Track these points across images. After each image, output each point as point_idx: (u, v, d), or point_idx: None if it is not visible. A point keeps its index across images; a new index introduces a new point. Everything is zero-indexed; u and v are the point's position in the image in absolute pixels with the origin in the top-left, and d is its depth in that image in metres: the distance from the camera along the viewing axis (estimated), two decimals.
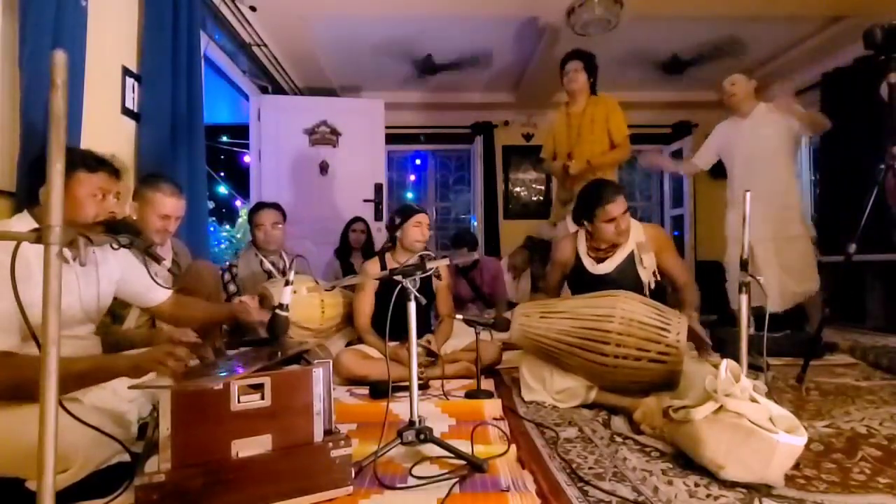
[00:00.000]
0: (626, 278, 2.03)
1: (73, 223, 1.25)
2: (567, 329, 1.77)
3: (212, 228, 5.07)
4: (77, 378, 1.12)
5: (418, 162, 6.17)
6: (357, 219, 3.81)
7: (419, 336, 1.51)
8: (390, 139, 4.85)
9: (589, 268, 2.15)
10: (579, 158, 2.90)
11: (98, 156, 1.36)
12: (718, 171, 5.41)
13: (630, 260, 2.09)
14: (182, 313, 1.68)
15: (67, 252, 1.20)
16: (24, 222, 1.27)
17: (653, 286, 2.11)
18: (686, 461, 1.27)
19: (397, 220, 2.43)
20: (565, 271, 2.26)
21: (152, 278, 1.36)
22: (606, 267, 2.11)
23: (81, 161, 1.30)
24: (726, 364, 1.26)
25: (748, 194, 1.70)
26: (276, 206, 2.76)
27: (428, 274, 1.37)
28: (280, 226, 2.71)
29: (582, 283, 2.15)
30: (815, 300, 2.99)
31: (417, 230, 2.37)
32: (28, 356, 1.12)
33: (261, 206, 2.78)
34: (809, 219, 3.02)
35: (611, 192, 2.03)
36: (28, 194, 1.35)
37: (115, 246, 1.21)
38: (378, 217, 4.35)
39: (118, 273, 1.47)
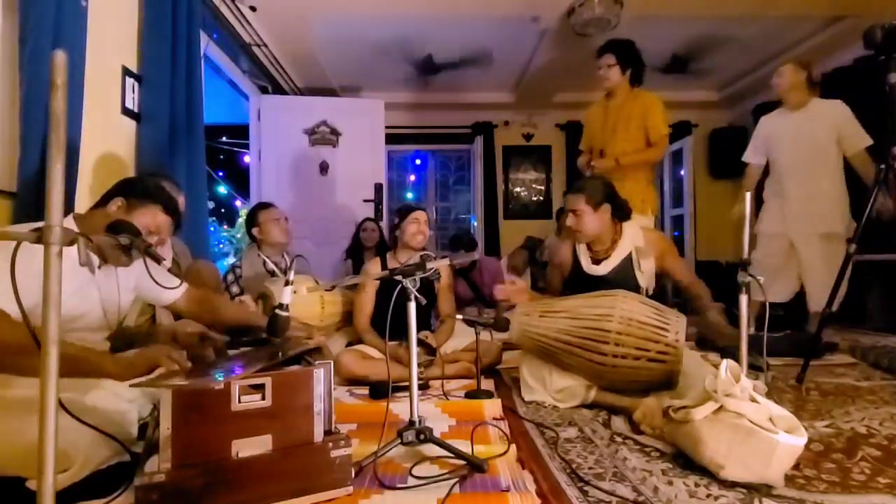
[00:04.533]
0: (622, 281, 2.02)
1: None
2: (566, 328, 1.77)
3: (212, 228, 5.07)
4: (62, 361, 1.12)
5: (418, 162, 6.18)
6: (368, 219, 3.86)
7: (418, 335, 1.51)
8: (390, 139, 4.85)
9: (585, 268, 2.15)
10: (609, 157, 2.81)
11: (176, 203, 1.51)
12: (719, 172, 5.48)
13: (628, 263, 2.09)
14: (204, 312, 1.70)
15: (95, 260, 1.22)
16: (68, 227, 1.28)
17: (650, 292, 2.10)
18: (686, 461, 1.27)
19: (396, 220, 2.46)
20: (564, 273, 2.26)
21: (153, 280, 1.35)
22: (603, 268, 2.11)
23: (164, 201, 1.45)
24: (726, 364, 1.26)
25: (748, 195, 1.70)
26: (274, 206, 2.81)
27: (427, 274, 1.37)
28: (288, 221, 2.78)
29: (579, 283, 2.15)
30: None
31: (414, 226, 2.39)
32: (18, 322, 1.10)
33: (266, 204, 2.80)
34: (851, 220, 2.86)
35: (574, 188, 2.14)
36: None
37: (115, 245, 1.21)
38: (378, 217, 4.35)
39: (134, 279, 1.49)
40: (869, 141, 2.75)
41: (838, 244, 2.75)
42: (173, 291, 1.60)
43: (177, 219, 1.52)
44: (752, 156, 3.11)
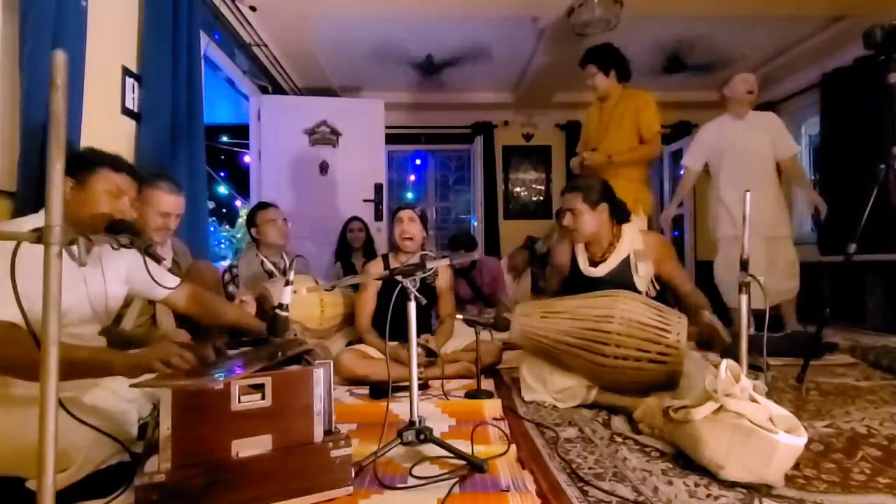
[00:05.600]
0: (620, 283, 2.01)
1: (87, 218, 1.30)
2: (567, 329, 1.77)
3: (212, 228, 5.07)
4: (74, 366, 1.11)
5: (418, 162, 6.18)
6: (353, 218, 3.81)
7: (418, 336, 1.51)
8: (390, 139, 4.85)
9: (583, 269, 2.14)
10: (601, 152, 2.84)
11: (124, 160, 1.45)
12: None
13: (625, 266, 2.08)
14: (200, 310, 1.69)
15: (75, 250, 1.22)
16: (41, 220, 1.27)
17: (651, 294, 2.09)
18: (686, 461, 1.27)
19: (391, 221, 2.48)
20: (563, 274, 2.26)
21: (151, 277, 1.35)
22: (600, 270, 2.10)
23: (109, 161, 1.38)
24: (726, 364, 1.26)
25: (748, 194, 1.70)
26: (276, 206, 2.80)
27: (428, 274, 1.37)
28: (287, 222, 2.77)
29: (576, 284, 2.14)
30: (790, 300, 3.09)
31: (398, 227, 2.41)
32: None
33: (265, 204, 2.80)
34: (791, 220, 3.23)
35: (569, 186, 2.17)
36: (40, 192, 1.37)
37: (115, 246, 1.21)
38: (378, 217, 4.35)
39: (125, 271, 1.48)
40: (798, 148, 3.05)
41: (783, 246, 3.05)
42: (168, 284, 1.58)
43: (132, 173, 1.42)
44: (693, 161, 3.27)
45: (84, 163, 1.37)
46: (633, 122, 2.83)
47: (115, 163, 1.39)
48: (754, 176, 2.99)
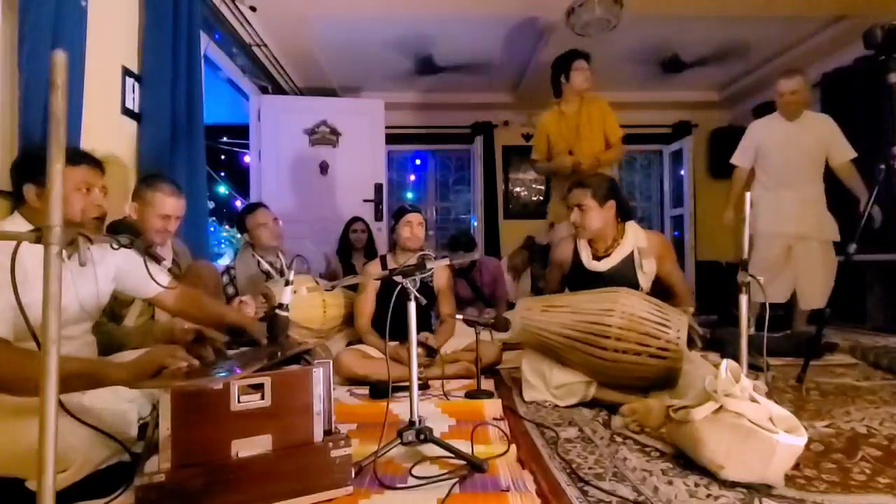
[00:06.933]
0: (622, 279, 2.02)
1: (64, 220, 1.25)
2: (568, 323, 1.78)
3: (212, 228, 5.06)
4: (67, 379, 1.10)
5: (418, 162, 6.17)
6: (356, 219, 3.80)
7: (418, 335, 1.51)
8: (390, 139, 4.84)
9: (586, 264, 2.15)
10: (587, 155, 2.90)
11: (79, 150, 1.38)
12: (718, 172, 5.47)
13: (629, 262, 2.09)
14: (191, 309, 1.66)
15: (65, 250, 1.20)
16: (16, 225, 1.25)
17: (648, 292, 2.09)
18: (686, 461, 1.27)
19: (393, 223, 2.49)
20: (564, 271, 2.26)
21: (150, 275, 1.34)
22: (603, 265, 2.11)
23: (68, 156, 1.29)
24: (726, 364, 1.26)
25: (748, 195, 1.70)
26: (265, 206, 2.79)
27: (427, 274, 1.37)
28: (279, 221, 2.76)
29: (579, 280, 2.16)
30: None
31: (407, 229, 2.41)
32: (24, 349, 1.09)
33: (255, 206, 2.78)
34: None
35: (579, 183, 2.18)
36: (17, 195, 1.32)
37: (115, 246, 1.21)
38: (378, 217, 4.35)
39: (114, 269, 1.47)
40: (854, 154, 2.89)
41: (832, 250, 2.95)
42: (156, 286, 1.51)
43: (91, 161, 1.33)
44: (742, 159, 3.18)
45: (43, 165, 1.30)
46: (600, 127, 2.98)
47: (69, 156, 1.26)
48: (803, 176, 2.96)
